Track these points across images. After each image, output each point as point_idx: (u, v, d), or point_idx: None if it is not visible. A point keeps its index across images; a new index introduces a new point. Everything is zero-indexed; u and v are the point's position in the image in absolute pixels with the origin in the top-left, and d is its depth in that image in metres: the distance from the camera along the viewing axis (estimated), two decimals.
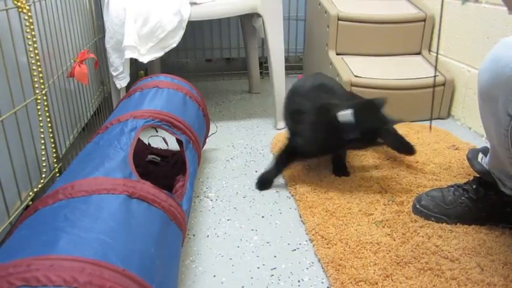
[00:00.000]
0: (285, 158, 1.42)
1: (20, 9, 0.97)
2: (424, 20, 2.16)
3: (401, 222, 1.19)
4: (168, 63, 2.77)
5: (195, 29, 2.69)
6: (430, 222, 1.19)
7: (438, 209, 1.20)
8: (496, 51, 0.96)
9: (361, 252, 1.07)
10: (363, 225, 1.18)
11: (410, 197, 1.31)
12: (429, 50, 2.22)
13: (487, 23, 1.76)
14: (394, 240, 1.12)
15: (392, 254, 1.06)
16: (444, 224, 1.18)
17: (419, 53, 2.22)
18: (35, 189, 1.05)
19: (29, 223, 0.74)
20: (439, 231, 1.15)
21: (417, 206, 1.23)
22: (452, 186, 1.24)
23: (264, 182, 1.43)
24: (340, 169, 1.47)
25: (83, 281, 0.59)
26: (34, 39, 1.01)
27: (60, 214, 0.73)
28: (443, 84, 1.99)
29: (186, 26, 1.74)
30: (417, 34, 2.19)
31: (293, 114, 1.39)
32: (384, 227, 1.18)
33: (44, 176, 1.09)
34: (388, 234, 1.14)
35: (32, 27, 1.00)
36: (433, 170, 1.48)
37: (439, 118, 2.04)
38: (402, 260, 1.04)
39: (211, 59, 2.93)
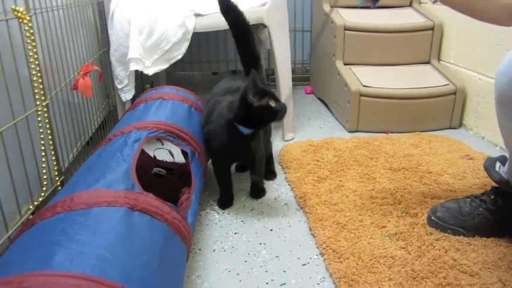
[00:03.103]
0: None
1: (21, 20, 0.94)
2: (433, 29, 2.13)
3: (416, 234, 1.14)
4: (174, 77, 2.75)
5: (200, 41, 2.68)
6: (447, 234, 1.14)
7: (454, 221, 1.15)
8: None
9: (375, 266, 1.02)
10: (376, 238, 1.14)
11: (424, 208, 1.26)
12: (438, 59, 2.18)
13: (498, 30, 1.72)
14: (410, 253, 1.07)
15: (408, 269, 1.01)
16: (461, 237, 1.13)
17: (428, 62, 2.18)
18: (36, 203, 1.02)
19: (25, 238, 0.71)
20: (456, 244, 1.10)
21: (432, 217, 1.18)
22: (468, 197, 1.19)
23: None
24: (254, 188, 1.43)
25: None
26: (35, 50, 0.99)
27: (58, 228, 0.69)
28: (454, 93, 1.95)
29: (191, 37, 1.72)
30: (426, 43, 2.16)
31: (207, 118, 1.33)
32: (398, 240, 1.13)
33: (45, 189, 1.06)
34: (403, 248, 1.09)
35: (32, 37, 0.98)
36: (447, 180, 1.43)
37: (450, 128, 1.99)
38: (418, 274, 0.99)
39: (218, 72, 2.91)
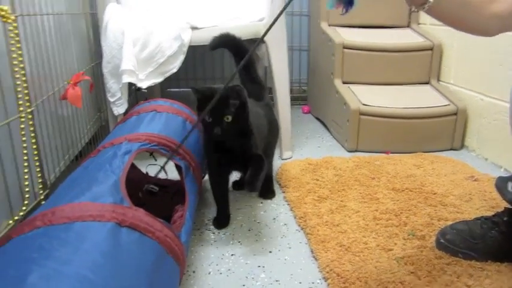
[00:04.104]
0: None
1: (4, 19, 0.88)
2: (432, 49, 2.10)
3: (425, 258, 1.07)
4: (169, 93, 2.69)
5: (196, 57, 2.64)
6: (457, 259, 1.07)
7: (465, 244, 1.08)
8: None
9: None
10: (383, 261, 1.06)
11: (431, 230, 1.19)
12: (438, 79, 2.14)
13: (499, 50, 1.69)
14: (419, 279, 0.99)
15: None
16: (473, 261, 1.05)
17: (427, 83, 2.14)
18: (16, 218, 0.93)
19: None
20: (468, 270, 1.02)
21: (441, 240, 1.11)
22: (479, 218, 1.13)
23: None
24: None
25: None
26: (20, 52, 0.92)
27: (35, 244, 0.61)
28: (456, 114, 1.90)
29: (187, 53, 1.67)
30: (425, 63, 2.12)
31: None
32: (406, 264, 1.05)
33: (26, 203, 0.98)
34: (412, 272, 1.01)
35: (17, 39, 0.91)
36: (453, 202, 1.37)
37: (452, 149, 1.94)
38: None
39: None
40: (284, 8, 0.97)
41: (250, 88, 1.42)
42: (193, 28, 1.69)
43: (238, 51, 1.39)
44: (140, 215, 0.75)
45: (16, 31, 0.91)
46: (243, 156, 1.19)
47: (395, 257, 1.07)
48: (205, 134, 1.23)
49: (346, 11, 0.86)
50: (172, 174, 1.45)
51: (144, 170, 1.47)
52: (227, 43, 1.40)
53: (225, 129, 1.12)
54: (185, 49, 1.66)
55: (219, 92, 1.06)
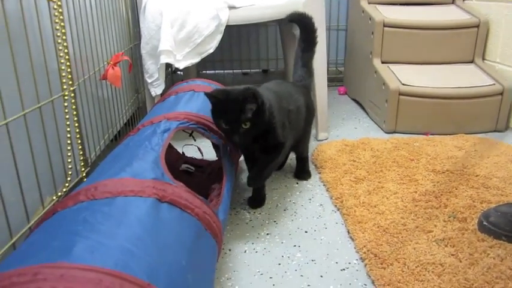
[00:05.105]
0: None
1: None
2: (478, 26, 2.01)
3: (466, 241, 1.04)
4: (204, 76, 2.71)
5: (232, 39, 2.63)
6: (501, 242, 1.03)
7: (510, 227, 1.04)
8: None
9: (423, 274, 0.93)
10: (422, 243, 1.04)
11: (473, 213, 1.16)
12: (483, 58, 2.05)
13: None
14: (461, 261, 0.97)
15: (460, 278, 0.91)
16: None
17: (471, 61, 2.06)
18: (59, 194, 0.96)
19: (43, 227, 0.65)
20: None
21: (484, 223, 1.07)
22: None
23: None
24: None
25: None
26: (63, 30, 0.94)
27: (79, 217, 0.63)
28: (501, 94, 1.82)
29: (223, 34, 1.66)
30: (470, 41, 2.04)
31: None
32: (446, 246, 1.03)
33: (69, 179, 1.01)
34: (453, 255, 0.99)
35: (61, 17, 0.93)
36: (497, 184, 1.32)
37: (495, 131, 1.87)
38: (473, 284, 0.89)
39: (248, 73, 2.85)
40: None
41: (300, 72, 1.44)
42: (231, 7, 1.68)
43: (308, 30, 1.47)
44: (180, 192, 0.76)
45: (60, 10, 0.93)
46: (267, 145, 1.16)
47: (435, 239, 1.05)
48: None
49: None
50: (207, 155, 1.46)
51: (180, 151, 1.49)
52: (301, 20, 1.47)
53: (244, 135, 1.06)
54: (222, 28, 1.65)
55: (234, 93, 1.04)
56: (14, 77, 0.80)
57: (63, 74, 0.95)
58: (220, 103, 1.05)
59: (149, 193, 0.71)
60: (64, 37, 0.94)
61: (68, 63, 0.95)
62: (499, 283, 0.89)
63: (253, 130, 1.06)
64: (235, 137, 1.05)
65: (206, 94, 1.06)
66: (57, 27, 0.93)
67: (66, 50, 0.95)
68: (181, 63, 1.64)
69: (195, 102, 1.21)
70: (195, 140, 1.45)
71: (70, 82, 0.99)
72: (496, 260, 0.96)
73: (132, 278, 0.53)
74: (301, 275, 0.96)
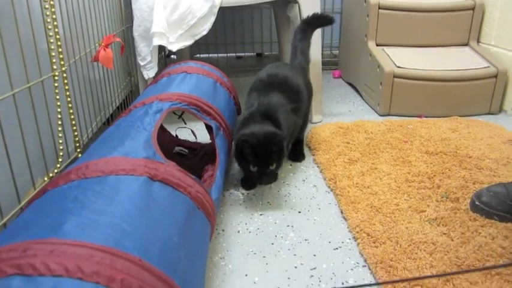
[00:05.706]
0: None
1: None
2: (473, 9, 1.99)
3: (458, 220, 1.05)
4: (198, 59, 2.68)
5: (226, 22, 2.60)
6: (493, 221, 1.04)
7: (502, 207, 1.05)
8: None
9: (415, 252, 0.93)
10: (414, 222, 1.04)
11: (466, 193, 1.16)
12: (478, 41, 2.05)
13: None
14: (452, 240, 0.97)
15: (451, 256, 0.91)
16: (509, 224, 1.03)
17: (466, 44, 2.05)
18: (51, 175, 0.96)
19: (35, 205, 0.65)
20: (504, 232, 1.00)
21: (476, 202, 1.08)
22: None
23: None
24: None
25: (89, 271, 0.48)
26: (53, 9, 0.92)
27: (70, 195, 0.63)
28: (495, 76, 1.82)
29: (217, 16, 1.64)
30: (465, 24, 2.03)
31: None
32: (438, 225, 1.03)
33: (61, 160, 1.00)
34: (445, 234, 1.00)
35: None
36: (490, 165, 1.32)
37: (489, 113, 1.87)
38: (464, 262, 0.90)
39: (242, 57, 2.83)
40: None
41: (300, 59, 1.50)
42: None
43: (317, 27, 1.60)
44: (172, 171, 0.76)
45: None
46: None
47: (427, 219, 1.06)
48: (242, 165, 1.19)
49: None
50: (200, 138, 1.46)
51: (174, 134, 1.48)
52: (320, 20, 1.58)
53: (270, 175, 1.16)
54: (216, 10, 1.63)
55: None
56: (2, 57, 0.79)
57: (53, 54, 0.93)
58: (250, 148, 1.11)
59: (141, 172, 0.71)
60: (54, 16, 0.92)
61: (58, 43, 0.94)
62: (489, 261, 0.90)
63: (277, 167, 1.16)
64: (264, 178, 1.15)
65: (239, 141, 1.12)
66: (47, 6, 0.91)
67: (56, 30, 0.93)
68: (174, 45, 1.62)
69: (187, 84, 1.20)
70: (185, 123, 1.45)
71: (62, 62, 0.97)
72: (487, 239, 0.97)
73: (123, 254, 0.53)
74: (294, 254, 0.97)
